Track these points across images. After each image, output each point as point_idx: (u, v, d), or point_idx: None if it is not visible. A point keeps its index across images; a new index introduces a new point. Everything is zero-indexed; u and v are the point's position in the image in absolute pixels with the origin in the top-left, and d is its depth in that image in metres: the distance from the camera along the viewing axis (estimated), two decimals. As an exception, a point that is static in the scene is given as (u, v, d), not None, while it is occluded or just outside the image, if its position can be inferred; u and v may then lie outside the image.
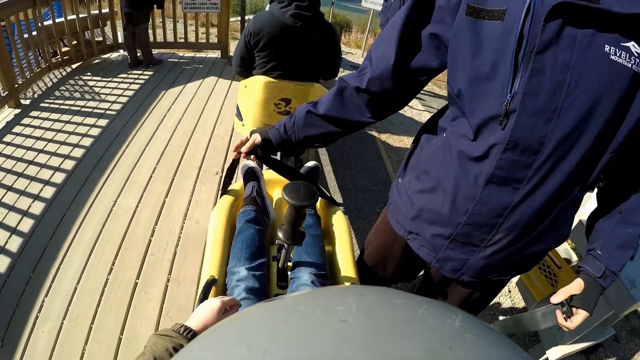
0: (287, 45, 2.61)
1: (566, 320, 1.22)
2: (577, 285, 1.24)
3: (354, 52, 9.80)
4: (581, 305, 1.21)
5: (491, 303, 3.05)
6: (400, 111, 6.13)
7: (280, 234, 1.35)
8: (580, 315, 1.21)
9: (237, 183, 2.03)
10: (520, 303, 3.09)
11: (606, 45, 0.90)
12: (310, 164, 2.21)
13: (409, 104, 6.49)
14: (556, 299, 1.25)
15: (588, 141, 1.00)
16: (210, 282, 1.44)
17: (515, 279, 2.85)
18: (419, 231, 1.35)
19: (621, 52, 0.90)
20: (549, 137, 0.99)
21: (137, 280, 2.50)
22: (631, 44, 0.90)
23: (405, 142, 5.46)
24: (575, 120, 0.97)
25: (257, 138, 1.46)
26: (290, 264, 1.69)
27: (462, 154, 1.14)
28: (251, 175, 2.01)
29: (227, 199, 1.88)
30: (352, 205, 3.88)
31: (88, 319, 2.29)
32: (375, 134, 5.43)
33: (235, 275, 1.49)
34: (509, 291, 3.21)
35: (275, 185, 2.13)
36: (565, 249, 2.65)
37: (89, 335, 2.21)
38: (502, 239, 1.18)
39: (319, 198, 1.98)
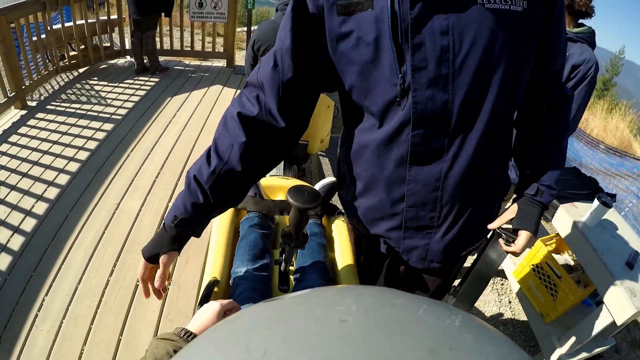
0: None
1: (510, 246, 1.26)
2: (511, 210, 1.29)
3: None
4: (520, 225, 1.25)
5: (492, 313, 3.07)
6: None
7: (283, 237, 1.36)
8: (522, 237, 1.24)
9: None
10: (520, 314, 3.09)
11: None
12: (327, 180, 2.21)
13: None
14: (492, 225, 1.30)
15: (494, 91, 1.01)
16: (213, 283, 1.46)
17: (515, 288, 2.86)
18: (376, 231, 1.37)
19: None
20: (452, 101, 1.01)
21: (137, 283, 2.50)
22: None
23: None
24: (472, 76, 0.98)
25: (167, 260, 1.12)
26: (292, 267, 1.70)
27: (377, 145, 1.15)
28: None
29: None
30: None
31: (88, 319, 2.30)
32: None
33: (239, 275, 1.51)
34: (509, 302, 3.22)
35: (277, 190, 2.15)
36: (565, 259, 2.67)
37: (88, 336, 2.22)
38: (450, 210, 1.19)
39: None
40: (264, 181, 2.17)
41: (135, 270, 2.53)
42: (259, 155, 1.17)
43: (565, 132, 1.27)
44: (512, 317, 3.10)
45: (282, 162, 2.92)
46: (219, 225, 1.78)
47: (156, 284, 1.12)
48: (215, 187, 1.12)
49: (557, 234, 2.65)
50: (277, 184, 2.17)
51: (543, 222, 3.67)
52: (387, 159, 1.15)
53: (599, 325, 2.15)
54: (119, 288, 2.48)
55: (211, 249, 1.68)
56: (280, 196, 2.13)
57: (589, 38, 2.23)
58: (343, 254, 1.78)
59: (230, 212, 1.87)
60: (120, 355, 2.15)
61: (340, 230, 1.91)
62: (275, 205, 1.93)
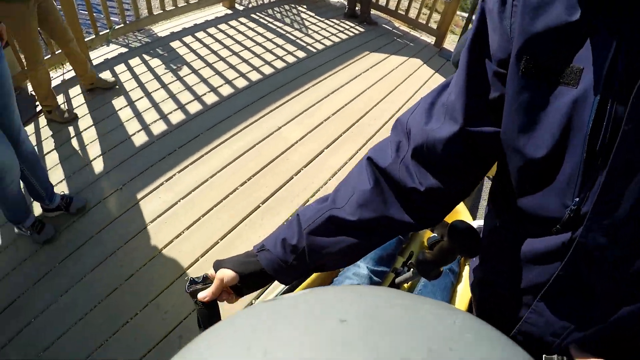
0: None
1: None
2: None
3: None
4: None
5: None
6: None
7: (419, 259, 1.13)
8: None
9: None
10: None
11: None
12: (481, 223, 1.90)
13: None
14: None
15: None
16: None
17: None
18: None
19: None
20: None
21: (260, 204, 2.59)
22: None
23: None
24: None
25: (224, 277, 0.91)
26: (406, 286, 1.63)
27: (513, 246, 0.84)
28: None
29: None
30: None
31: (204, 209, 2.45)
32: None
33: (355, 267, 1.48)
34: None
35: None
36: None
37: (204, 214, 2.41)
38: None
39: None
40: None
41: (266, 192, 2.66)
42: (379, 217, 0.91)
43: None
44: None
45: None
46: None
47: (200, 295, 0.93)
48: (314, 231, 0.90)
49: None
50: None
51: None
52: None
53: None
54: (241, 200, 2.57)
55: None
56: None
57: None
58: (462, 300, 1.69)
59: None
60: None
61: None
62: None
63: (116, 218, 2.35)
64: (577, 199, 0.66)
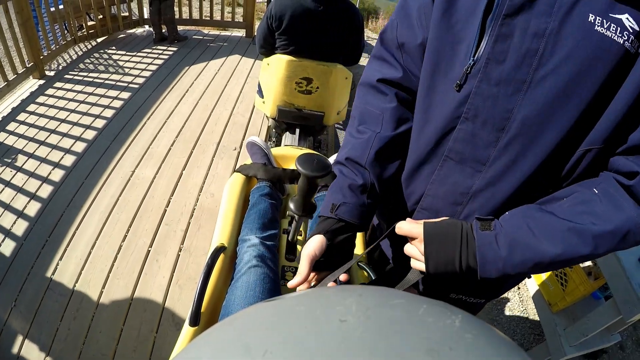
0: (308, 28, 2.58)
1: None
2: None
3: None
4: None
5: (498, 298, 3.00)
6: None
7: (291, 205, 1.33)
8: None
9: (248, 160, 2.01)
10: (528, 301, 3.02)
11: (590, 15, 0.74)
12: None
13: None
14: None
15: (564, 123, 0.81)
16: (220, 249, 1.44)
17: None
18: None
19: (610, 24, 0.73)
20: (515, 112, 0.82)
21: (149, 249, 2.53)
22: (624, 17, 0.73)
23: None
24: (549, 96, 0.80)
25: (315, 249, 0.93)
26: (300, 238, 1.67)
27: (419, 125, 1.01)
28: (259, 153, 1.98)
29: (241, 175, 1.88)
30: None
31: (99, 283, 2.32)
32: None
33: (247, 242, 1.49)
34: (518, 288, 3.15)
35: (289, 160, 2.10)
36: None
37: (100, 299, 2.25)
38: None
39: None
40: (276, 150, 2.13)
41: (148, 236, 2.56)
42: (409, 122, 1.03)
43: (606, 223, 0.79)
44: (520, 302, 3.04)
45: (297, 133, 2.86)
46: (229, 193, 1.76)
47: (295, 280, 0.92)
48: (372, 162, 0.98)
49: None
50: (289, 153, 2.12)
51: None
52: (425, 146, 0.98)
53: (606, 319, 2.09)
54: (130, 253, 2.49)
55: (220, 215, 1.66)
56: (292, 166, 2.09)
57: None
58: None
59: (240, 179, 1.85)
60: (130, 318, 2.16)
61: None
62: (286, 174, 1.90)
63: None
64: (472, 59, 0.83)
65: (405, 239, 0.94)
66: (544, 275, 2.63)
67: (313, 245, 0.93)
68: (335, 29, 2.63)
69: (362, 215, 0.98)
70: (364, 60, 7.04)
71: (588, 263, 2.45)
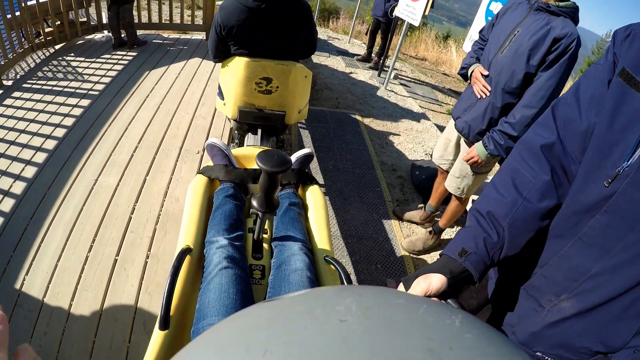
0: (256, 28, 2.56)
1: None
2: None
3: (340, 37, 9.71)
4: None
5: None
6: (385, 97, 6.13)
7: (254, 202, 1.34)
8: None
9: (210, 162, 2.01)
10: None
11: None
12: (304, 151, 2.15)
13: (395, 91, 6.48)
14: None
15: None
16: (185, 251, 1.43)
17: None
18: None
19: None
20: None
21: (116, 257, 2.47)
22: None
23: (388, 126, 5.42)
24: None
25: (435, 288, 0.98)
26: (266, 236, 1.70)
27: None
28: (220, 155, 1.99)
29: (203, 177, 1.88)
30: (334, 187, 3.88)
31: (68, 296, 2.26)
32: (359, 117, 5.40)
33: (215, 244, 1.49)
34: None
35: (251, 159, 2.11)
36: None
37: (69, 312, 2.19)
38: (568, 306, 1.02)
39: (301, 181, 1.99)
40: (237, 151, 2.13)
41: (114, 245, 2.52)
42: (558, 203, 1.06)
43: None
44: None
45: (259, 133, 2.87)
46: (193, 195, 1.75)
47: None
48: (513, 225, 1.04)
49: None
50: (250, 152, 2.13)
51: None
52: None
53: None
54: (97, 263, 2.43)
55: (184, 218, 1.64)
56: (254, 165, 2.10)
57: (572, 13, 2.19)
58: (318, 221, 1.78)
59: (203, 181, 1.85)
60: (101, 330, 2.12)
61: (315, 198, 1.89)
62: (248, 174, 1.91)
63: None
64: (626, 163, 0.88)
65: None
66: None
67: (435, 283, 0.97)
68: (284, 24, 2.61)
69: (483, 271, 1.03)
70: (316, 57, 7.11)
71: None
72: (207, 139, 3.63)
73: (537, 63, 2.18)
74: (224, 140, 3.52)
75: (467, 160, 2.59)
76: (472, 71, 2.56)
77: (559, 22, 2.15)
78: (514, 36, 2.29)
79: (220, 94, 2.92)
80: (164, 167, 3.22)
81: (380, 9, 6.95)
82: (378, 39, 7.49)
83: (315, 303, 0.39)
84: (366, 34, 7.75)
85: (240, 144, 3.20)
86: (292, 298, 0.42)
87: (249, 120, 2.82)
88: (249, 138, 2.91)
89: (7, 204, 2.83)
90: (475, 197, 3.28)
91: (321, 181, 3.88)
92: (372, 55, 7.75)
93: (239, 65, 2.64)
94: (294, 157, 2.11)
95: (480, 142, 2.48)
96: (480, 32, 2.70)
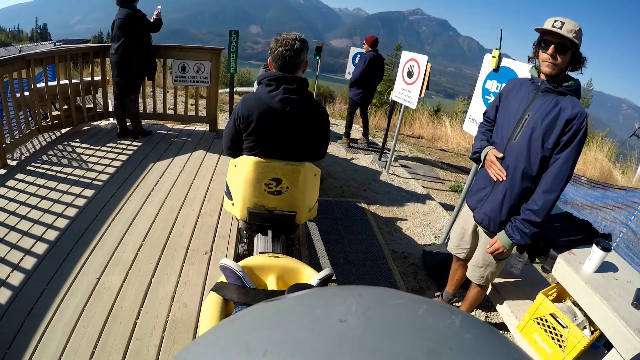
0: (275, 129, 2.63)
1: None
2: None
3: (338, 123, 10.03)
4: None
5: None
6: (388, 181, 6.27)
7: None
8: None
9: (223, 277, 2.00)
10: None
11: None
12: (325, 273, 2.09)
13: (397, 173, 6.64)
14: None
15: None
16: None
17: (520, 343, 2.89)
18: None
19: None
20: None
21: (119, 368, 2.38)
22: None
23: (395, 211, 5.52)
24: None
25: None
26: None
27: None
28: (233, 276, 1.95)
29: (218, 296, 1.86)
30: (346, 282, 3.89)
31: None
32: (364, 205, 5.53)
33: None
34: None
35: (267, 271, 2.10)
36: (567, 306, 2.68)
37: None
38: None
39: None
40: (251, 260, 2.12)
41: (118, 354, 2.43)
42: None
43: None
44: None
45: (270, 235, 2.86)
46: (207, 316, 1.74)
47: None
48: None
49: (557, 283, 2.72)
50: (267, 263, 2.12)
51: (543, 274, 3.72)
52: None
53: None
54: None
55: None
56: (272, 278, 2.08)
57: (576, 90, 2.36)
58: None
59: (217, 301, 1.83)
60: None
61: None
62: (267, 296, 1.88)
63: None
64: None
65: None
66: (540, 341, 2.69)
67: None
68: (303, 129, 2.69)
69: None
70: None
71: (581, 319, 2.55)
72: (214, 238, 3.65)
73: (551, 146, 2.33)
74: (231, 240, 3.52)
75: (489, 250, 2.66)
76: (486, 154, 2.68)
77: (567, 101, 2.32)
78: (525, 121, 2.43)
79: (228, 194, 2.95)
80: (170, 269, 3.20)
81: (354, 93, 7.66)
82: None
83: (316, 303, 0.40)
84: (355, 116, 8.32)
85: (250, 244, 3.19)
86: (292, 298, 0.42)
87: (258, 222, 2.84)
88: (259, 238, 2.89)
89: (4, 296, 2.77)
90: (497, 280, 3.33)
91: (333, 276, 3.85)
92: (350, 135, 8.34)
93: (248, 165, 2.69)
94: (315, 279, 2.09)
95: (503, 232, 2.56)
96: (485, 114, 2.87)
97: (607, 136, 13.01)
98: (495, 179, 2.59)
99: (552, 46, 2.27)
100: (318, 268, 3.96)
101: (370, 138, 8.70)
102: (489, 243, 2.66)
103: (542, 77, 2.42)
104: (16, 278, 2.93)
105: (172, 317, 2.75)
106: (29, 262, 3.10)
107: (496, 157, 2.56)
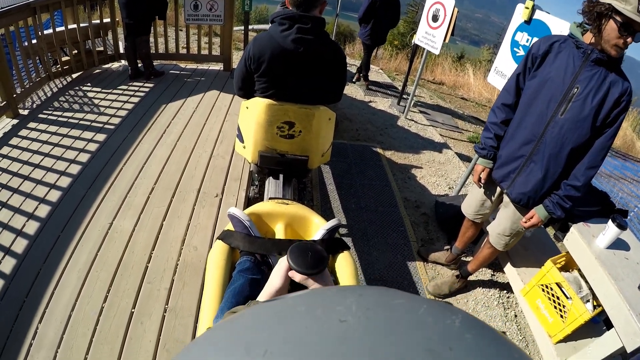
0: (289, 71, 2.53)
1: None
2: None
3: (357, 63, 9.76)
4: None
5: (498, 328, 3.07)
6: (406, 126, 6.14)
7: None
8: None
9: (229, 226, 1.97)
10: (526, 328, 3.09)
11: None
12: (332, 223, 1.97)
13: (415, 119, 6.51)
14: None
15: None
16: None
17: (522, 305, 2.90)
18: None
19: None
20: None
21: (133, 310, 2.48)
22: None
23: (410, 158, 5.43)
24: None
25: None
26: None
27: None
28: (240, 225, 1.91)
29: (224, 245, 1.85)
30: (357, 227, 3.87)
31: (83, 349, 2.26)
32: (380, 150, 5.42)
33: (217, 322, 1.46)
34: (515, 316, 3.23)
35: (276, 218, 2.07)
36: (575, 278, 2.65)
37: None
38: None
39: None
40: (260, 207, 2.09)
41: (130, 296, 2.51)
42: None
43: None
44: (518, 331, 3.10)
45: (281, 179, 2.84)
46: (212, 267, 1.72)
47: None
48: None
49: (567, 252, 2.67)
50: (276, 210, 2.08)
51: (555, 241, 3.67)
52: None
53: (608, 350, 2.18)
54: (113, 315, 2.43)
55: (205, 292, 1.64)
56: (280, 225, 2.05)
57: (621, 60, 2.20)
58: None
59: (223, 249, 1.81)
60: (115, 389, 2.11)
61: (345, 265, 1.84)
62: (273, 245, 1.83)
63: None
64: None
65: None
66: (542, 307, 2.69)
67: None
68: (318, 71, 2.59)
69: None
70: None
71: (585, 291, 2.53)
72: (226, 181, 3.66)
73: (601, 123, 2.18)
74: (242, 184, 3.53)
75: (527, 225, 2.59)
76: (481, 166, 2.73)
77: (615, 76, 2.15)
78: (572, 95, 2.22)
79: (240, 137, 2.91)
80: (181, 212, 3.24)
81: (361, 33, 7.37)
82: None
83: (316, 303, 0.40)
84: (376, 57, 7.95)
85: (261, 187, 3.19)
86: (292, 298, 0.42)
87: (270, 165, 2.81)
88: (270, 182, 2.88)
89: (20, 245, 2.86)
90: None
91: (344, 221, 3.88)
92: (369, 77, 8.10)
93: (260, 108, 2.62)
94: (322, 230, 2.00)
95: (542, 207, 2.47)
96: (507, 88, 2.59)
97: (633, 106, 12.36)
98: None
99: (637, 34, 2.00)
100: (329, 213, 3.98)
101: (389, 81, 8.46)
102: (525, 217, 2.54)
103: (587, 39, 2.18)
104: (31, 227, 3.02)
105: (182, 260, 2.81)
106: (43, 211, 3.18)
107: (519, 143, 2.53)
